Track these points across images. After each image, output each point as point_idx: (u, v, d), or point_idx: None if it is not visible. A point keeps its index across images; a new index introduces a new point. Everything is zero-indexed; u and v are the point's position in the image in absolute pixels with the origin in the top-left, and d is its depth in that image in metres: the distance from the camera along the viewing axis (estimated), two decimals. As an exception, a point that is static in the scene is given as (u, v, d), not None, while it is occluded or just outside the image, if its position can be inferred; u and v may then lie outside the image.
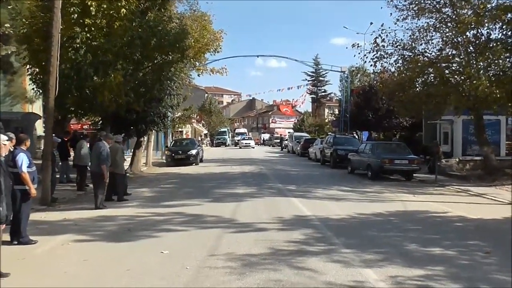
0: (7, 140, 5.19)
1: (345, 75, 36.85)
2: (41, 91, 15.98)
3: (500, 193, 14.21)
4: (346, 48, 56.37)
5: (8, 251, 6.62)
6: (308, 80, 79.01)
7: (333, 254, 6.73)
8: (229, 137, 70.49)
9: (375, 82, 32.92)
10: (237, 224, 9.07)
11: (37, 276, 5.90)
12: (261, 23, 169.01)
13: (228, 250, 6.95)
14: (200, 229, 8.67)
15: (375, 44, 17.53)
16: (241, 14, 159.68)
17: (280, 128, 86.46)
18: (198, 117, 56.14)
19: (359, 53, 17.88)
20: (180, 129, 46.51)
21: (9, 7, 10.55)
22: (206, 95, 73.74)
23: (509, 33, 16.29)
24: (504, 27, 15.83)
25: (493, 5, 16.53)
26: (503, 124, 22.89)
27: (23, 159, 6.98)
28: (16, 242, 7.42)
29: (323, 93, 79.81)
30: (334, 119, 55.50)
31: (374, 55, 17.72)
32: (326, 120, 62.73)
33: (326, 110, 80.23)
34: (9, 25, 8.67)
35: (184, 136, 47.34)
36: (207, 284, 5.46)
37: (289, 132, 65.27)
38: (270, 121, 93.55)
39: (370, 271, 5.93)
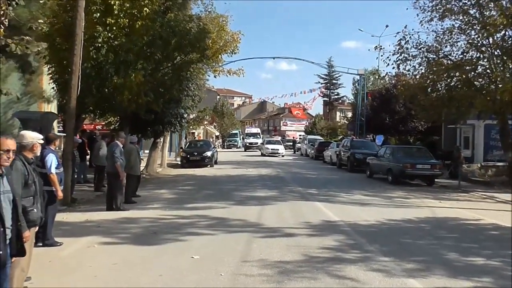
0: (42, 139, 4.98)
1: (362, 77, 36.53)
2: (58, 90, 15.92)
3: (530, 201, 13.78)
4: (369, 50, 55.28)
5: (34, 253, 6.40)
6: (321, 83, 78.65)
7: (371, 262, 6.43)
8: (240, 140, 70.24)
9: (390, 85, 32.56)
10: (264, 229, 8.81)
11: (67, 280, 5.69)
12: (270, 26, 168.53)
13: (261, 256, 6.69)
14: (227, 233, 8.42)
15: (399, 46, 17.21)
16: (250, 18, 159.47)
17: (291, 131, 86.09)
18: (210, 118, 56.03)
19: (381, 55, 17.37)
20: (192, 131, 46.47)
21: (41, 1, 10.46)
22: (218, 97, 73.65)
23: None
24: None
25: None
26: (526, 129, 22.34)
27: (52, 160, 6.80)
28: (40, 244, 7.22)
29: (336, 96, 79.29)
30: (347, 122, 55.10)
31: (397, 57, 17.41)
32: (339, 123, 62.15)
33: (338, 113, 79.84)
34: (42, 21, 8.53)
35: (196, 138, 47.25)
36: (246, 293, 5.21)
37: (301, 135, 64.88)
38: (281, 124, 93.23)
39: (415, 282, 5.64)
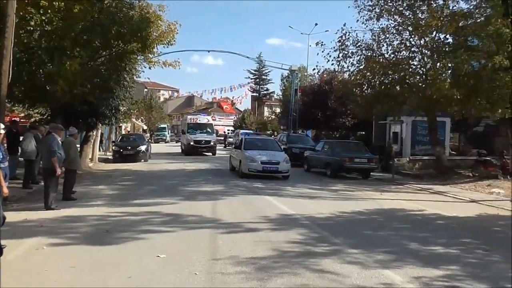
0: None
1: (295, 73, 37.18)
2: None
3: (459, 191, 14.82)
4: (310, 45, 53.26)
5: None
6: (251, 78, 79.03)
7: (343, 255, 6.45)
8: (168, 134, 69.32)
9: (323, 82, 33.48)
10: (224, 224, 8.55)
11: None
12: (198, 22, 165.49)
13: (231, 253, 6.45)
14: (186, 230, 8.06)
15: (340, 43, 17.65)
16: (178, 11, 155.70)
17: (219, 125, 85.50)
18: (138, 112, 54.02)
19: (322, 51, 17.68)
20: (119, 124, 44.53)
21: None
22: (145, 89, 71.36)
23: (462, 38, 17.03)
24: (460, 32, 16.48)
25: (449, 11, 17.26)
26: (448, 126, 24.05)
27: (-4, 153, 6.03)
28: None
29: (265, 92, 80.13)
30: (274, 117, 55.90)
31: (338, 54, 17.85)
32: (269, 119, 63.04)
33: (266, 109, 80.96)
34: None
35: (123, 132, 45.44)
36: (230, 292, 4.96)
37: (229, 130, 64.92)
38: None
39: (391, 272, 5.73)
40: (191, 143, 30.51)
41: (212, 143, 31.25)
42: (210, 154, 30.81)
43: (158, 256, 6.25)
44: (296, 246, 6.97)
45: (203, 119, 34.88)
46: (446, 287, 5.28)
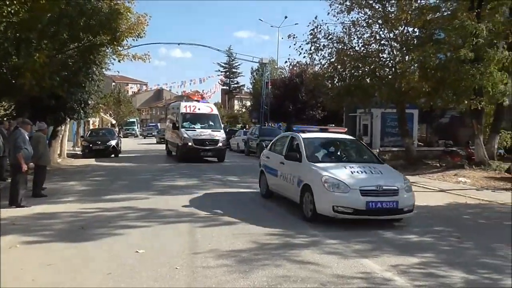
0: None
1: (266, 66, 37.14)
2: None
3: (427, 181, 15.21)
4: (282, 38, 51.73)
5: None
6: (221, 71, 78.72)
7: (322, 246, 6.55)
8: (138, 128, 68.78)
9: (293, 74, 33.67)
10: (201, 218, 8.54)
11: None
12: (163, 13, 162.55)
13: (210, 247, 6.45)
14: (163, 224, 7.99)
15: (312, 36, 17.77)
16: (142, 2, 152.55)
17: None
18: (106, 106, 52.89)
19: (294, 44, 17.81)
20: (88, 119, 43.57)
21: None
22: (113, 83, 70.00)
23: (430, 31, 17.45)
24: (428, 25, 16.86)
25: (417, 5, 17.65)
26: (416, 117, 24.64)
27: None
28: None
29: (235, 85, 79.96)
30: (244, 110, 55.85)
31: (310, 47, 17.97)
32: (241, 112, 63.04)
33: (236, 102, 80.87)
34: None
35: (91, 126, 44.52)
36: (212, 285, 4.95)
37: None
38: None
39: (369, 261, 5.86)
40: (189, 144, 20.32)
41: (220, 144, 21.08)
42: (216, 160, 21.32)
43: (137, 252, 6.19)
44: (275, 238, 7.03)
45: (204, 107, 23.09)
46: (423, 274, 5.44)
